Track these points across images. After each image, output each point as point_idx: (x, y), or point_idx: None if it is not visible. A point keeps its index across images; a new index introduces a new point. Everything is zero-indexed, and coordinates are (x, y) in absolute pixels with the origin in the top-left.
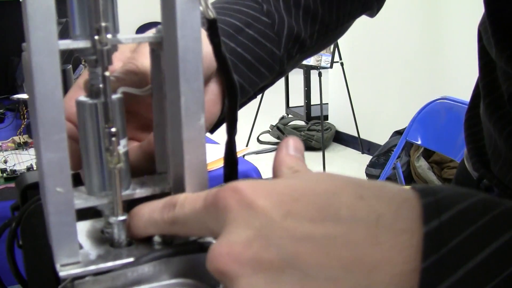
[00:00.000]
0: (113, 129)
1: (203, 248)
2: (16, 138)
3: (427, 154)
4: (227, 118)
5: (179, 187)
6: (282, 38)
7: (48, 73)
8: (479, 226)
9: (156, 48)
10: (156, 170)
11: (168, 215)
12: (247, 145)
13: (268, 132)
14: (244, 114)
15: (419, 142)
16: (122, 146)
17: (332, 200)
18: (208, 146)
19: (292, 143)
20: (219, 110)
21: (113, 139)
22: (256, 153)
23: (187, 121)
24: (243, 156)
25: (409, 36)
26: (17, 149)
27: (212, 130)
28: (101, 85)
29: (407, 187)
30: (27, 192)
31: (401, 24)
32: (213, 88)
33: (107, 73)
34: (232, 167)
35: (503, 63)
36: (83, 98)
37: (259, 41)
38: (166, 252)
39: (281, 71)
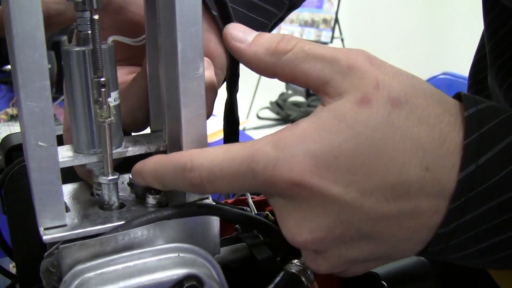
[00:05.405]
0: (103, 79)
1: (201, 210)
2: (9, 110)
3: None
4: (228, 73)
5: (175, 145)
6: None
7: (27, 10)
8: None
9: None
10: (151, 128)
11: None
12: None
13: (267, 108)
14: (244, 90)
15: None
16: (113, 98)
17: (402, 176)
18: None
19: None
20: (225, 52)
21: (103, 90)
22: (256, 129)
23: (184, 70)
24: (243, 129)
25: (410, 11)
26: (9, 121)
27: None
28: (89, 31)
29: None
30: (12, 154)
31: None
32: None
33: (95, 17)
34: (233, 126)
35: None
36: (69, 46)
37: None
38: (161, 214)
39: (292, 5)
